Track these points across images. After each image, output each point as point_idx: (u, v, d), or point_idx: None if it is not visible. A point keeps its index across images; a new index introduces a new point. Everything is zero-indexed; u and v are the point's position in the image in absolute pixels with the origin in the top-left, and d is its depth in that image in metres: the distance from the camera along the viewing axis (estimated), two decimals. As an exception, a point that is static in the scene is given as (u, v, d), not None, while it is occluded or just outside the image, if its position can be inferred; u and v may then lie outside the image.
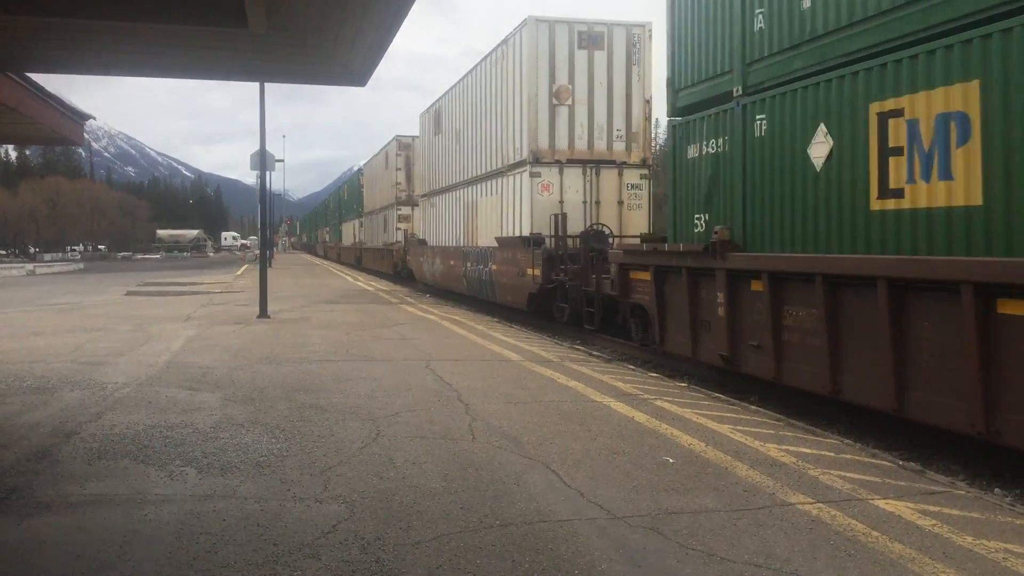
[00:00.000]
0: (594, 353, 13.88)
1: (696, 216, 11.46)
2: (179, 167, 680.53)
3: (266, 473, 6.42)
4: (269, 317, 18.96)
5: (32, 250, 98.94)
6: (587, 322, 16.37)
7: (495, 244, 21.01)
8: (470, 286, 23.86)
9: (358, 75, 7.93)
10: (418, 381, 10.43)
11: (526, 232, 18.61)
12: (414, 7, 6.04)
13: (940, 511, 5.55)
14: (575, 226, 18.08)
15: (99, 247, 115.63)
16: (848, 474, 6.41)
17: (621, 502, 5.70)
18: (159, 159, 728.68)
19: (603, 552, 4.82)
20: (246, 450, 7.10)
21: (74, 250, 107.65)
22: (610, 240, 17.49)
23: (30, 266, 58.59)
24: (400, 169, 36.83)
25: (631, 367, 12.38)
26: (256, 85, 19.63)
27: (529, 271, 18.38)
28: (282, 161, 62.71)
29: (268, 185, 23.41)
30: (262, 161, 21.71)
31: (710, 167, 11.11)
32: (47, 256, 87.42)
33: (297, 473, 6.41)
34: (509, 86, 19.95)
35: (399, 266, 36.50)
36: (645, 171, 18.82)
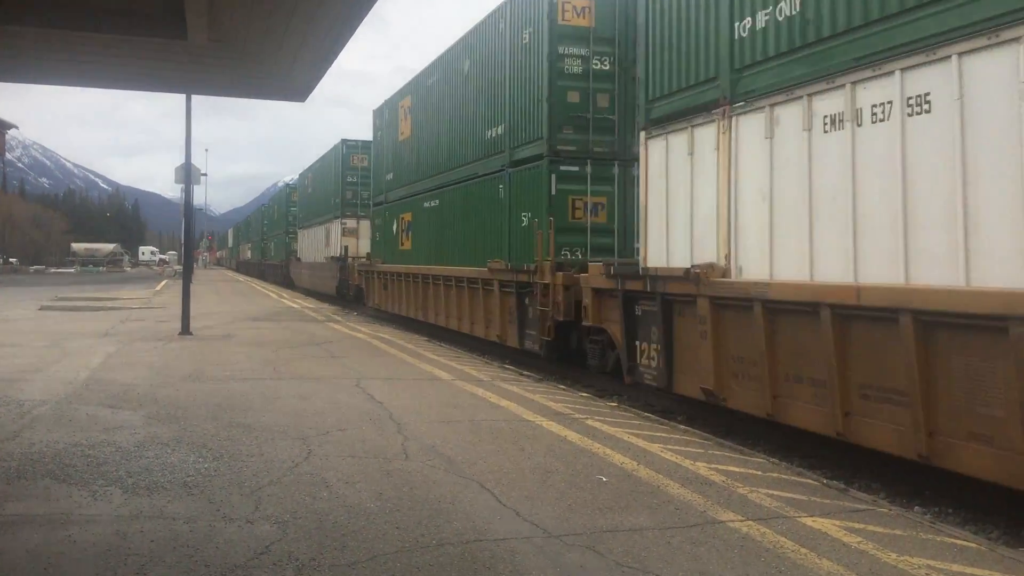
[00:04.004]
0: (524, 373, 13.93)
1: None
2: (96, 179, 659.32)
3: (194, 493, 6.27)
4: (192, 334, 18.52)
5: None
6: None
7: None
8: None
9: (299, 90, 7.86)
10: (349, 400, 10.32)
11: None
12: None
13: (865, 528, 5.72)
14: None
15: (10, 260, 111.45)
16: (775, 492, 6.56)
17: (557, 520, 5.73)
18: (75, 171, 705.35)
19: (541, 571, 4.84)
20: (173, 469, 6.92)
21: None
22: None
23: (-66, 279, 56.14)
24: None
25: (561, 387, 12.46)
26: (182, 97, 19.20)
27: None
28: (205, 175, 61.41)
29: (191, 199, 22.85)
30: (187, 175, 21.21)
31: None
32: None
33: (226, 493, 6.28)
34: None
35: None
36: None
